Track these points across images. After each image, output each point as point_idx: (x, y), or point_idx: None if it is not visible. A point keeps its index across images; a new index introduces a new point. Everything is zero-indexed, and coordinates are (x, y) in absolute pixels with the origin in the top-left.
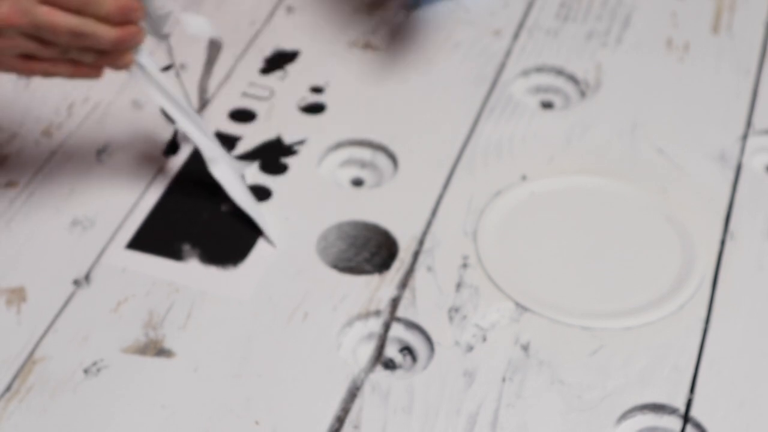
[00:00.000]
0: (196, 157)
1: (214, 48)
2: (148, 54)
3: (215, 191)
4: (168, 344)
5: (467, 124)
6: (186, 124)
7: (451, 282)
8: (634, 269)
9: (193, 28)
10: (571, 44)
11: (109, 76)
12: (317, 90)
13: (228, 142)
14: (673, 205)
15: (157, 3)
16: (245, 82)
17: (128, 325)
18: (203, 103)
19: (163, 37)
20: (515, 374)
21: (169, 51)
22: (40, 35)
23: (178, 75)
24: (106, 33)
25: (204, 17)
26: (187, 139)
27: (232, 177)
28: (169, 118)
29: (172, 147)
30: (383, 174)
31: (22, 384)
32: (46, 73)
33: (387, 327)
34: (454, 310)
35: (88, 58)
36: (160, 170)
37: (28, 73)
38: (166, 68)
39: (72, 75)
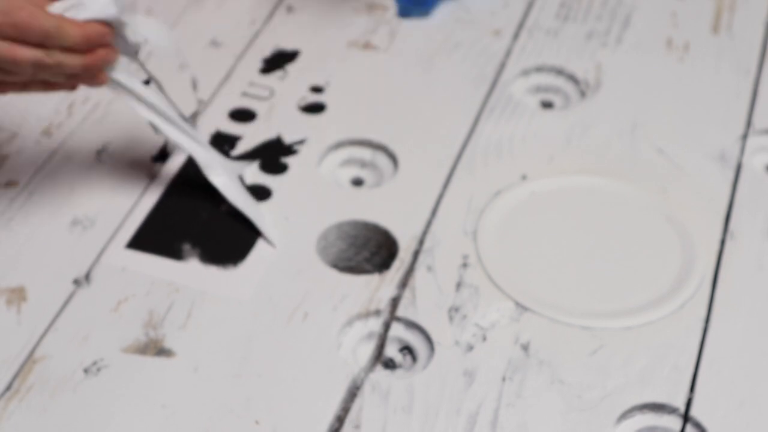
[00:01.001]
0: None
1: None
2: (125, 68)
3: (215, 191)
4: (168, 344)
5: (467, 124)
6: (173, 133)
7: (451, 282)
8: (634, 269)
9: (144, 32)
10: (571, 44)
11: None
12: (317, 90)
13: (228, 141)
14: (673, 205)
15: (128, 26)
16: (245, 81)
17: (128, 325)
18: (199, 101)
19: (134, 55)
20: (515, 374)
21: (144, 67)
22: (4, 68)
23: (160, 88)
24: (73, 61)
25: (158, 22)
26: (177, 148)
27: (229, 180)
28: (156, 129)
29: (162, 154)
30: (383, 174)
31: (22, 383)
32: (20, 92)
33: (387, 327)
34: (454, 310)
35: (59, 79)
36: (161, 170)
37: (1, 94)
38: (146, 83)
39: (46, 91)
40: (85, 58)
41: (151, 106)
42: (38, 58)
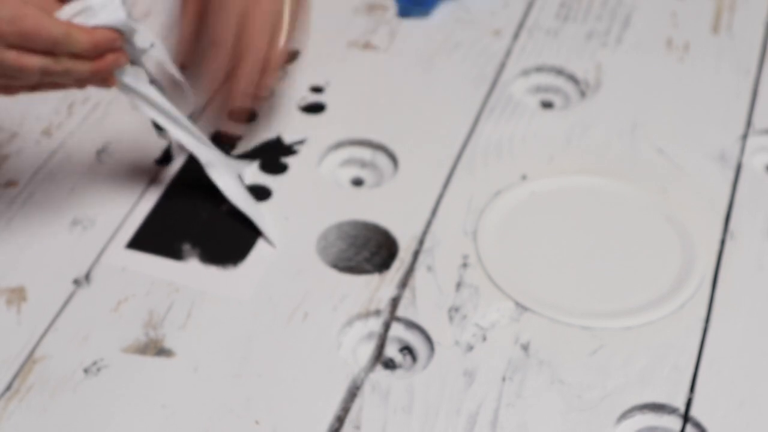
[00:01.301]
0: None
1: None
2: (134, 71)
3: (215, 191)
4: (168, 344)
5: (467, 124)
6: (178, 133)
7: (451, 282)
8: (634, 269)
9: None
10: (571, 44)
11: None
12: (317, 90)
13: (228, 142)
14: (673, 205)
15: (138, 35)
16: None
17: (128, 325)
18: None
19: (140, 63)
20: (515, 374)
21: (147, 71)
22: (12, 75)
23: (162, 91)
24: (82, 68)
25: (151, 31)
26: (180, 151)
27: (230, 179)
28: (160, 130)
29: (166, 158)
30: (383, 174)
31: (22, 383)
32: (28, 93)
33: (387, 327)
34: (454, 310)
35: (68, 81)
36: (161, 170)
37: (10, 96)
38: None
39: (55, 90)
40: (94, 64)
41: (157, 108)
42: (46, 65)
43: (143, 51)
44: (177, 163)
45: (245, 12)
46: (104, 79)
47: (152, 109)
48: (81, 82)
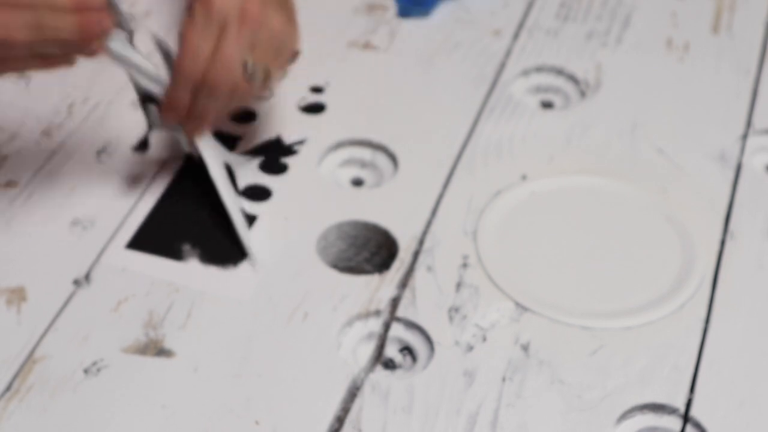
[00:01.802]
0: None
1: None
2: (123, 40)
3: (215, 191)
4: (168, 344)
5: (467, 124)
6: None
7: (451, 282)
8: (634, 269)
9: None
10: (571, 44)
11: (110, 75)
12: (317, 90)
13: (228, 142)
14: (673, 205)
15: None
16: None
17: (128, 325)
18: None
19: (130, 34)
20: (515, 374)
21: (136, 49)
22: None
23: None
24: (66, 23)
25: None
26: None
27: (216, 157)
28: (147, 114)
29: (143, 144)
30: (383, 174)
31: (22, 383)
32: (17, 70)
33: (387, 327)
34: (454, 310)
35: (55, 50)
36: (160, 170)
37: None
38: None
39: (44, 68)
40: (78, 20)
41: (147, 75)
42: (29, 20)
43: (129, 17)
44: (177, 163)
45: (224, 25)
46: (90, 41)
47: (145, 79)
48: (68, 50)
